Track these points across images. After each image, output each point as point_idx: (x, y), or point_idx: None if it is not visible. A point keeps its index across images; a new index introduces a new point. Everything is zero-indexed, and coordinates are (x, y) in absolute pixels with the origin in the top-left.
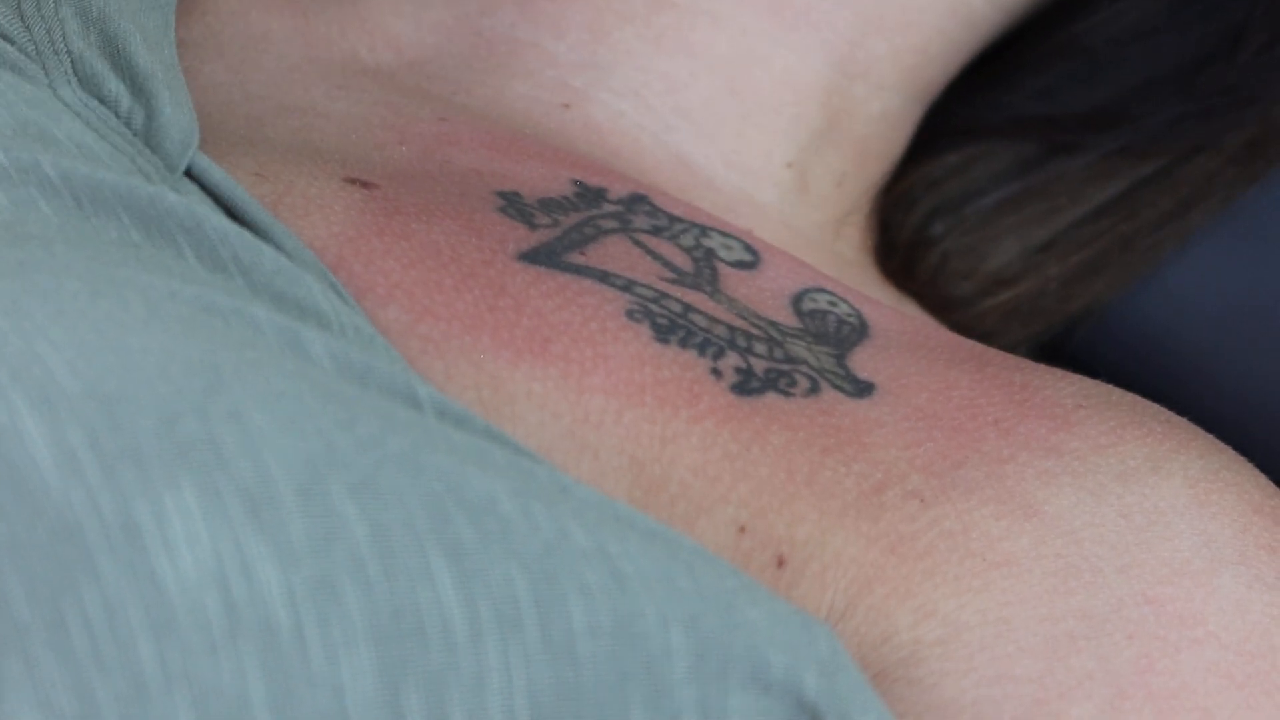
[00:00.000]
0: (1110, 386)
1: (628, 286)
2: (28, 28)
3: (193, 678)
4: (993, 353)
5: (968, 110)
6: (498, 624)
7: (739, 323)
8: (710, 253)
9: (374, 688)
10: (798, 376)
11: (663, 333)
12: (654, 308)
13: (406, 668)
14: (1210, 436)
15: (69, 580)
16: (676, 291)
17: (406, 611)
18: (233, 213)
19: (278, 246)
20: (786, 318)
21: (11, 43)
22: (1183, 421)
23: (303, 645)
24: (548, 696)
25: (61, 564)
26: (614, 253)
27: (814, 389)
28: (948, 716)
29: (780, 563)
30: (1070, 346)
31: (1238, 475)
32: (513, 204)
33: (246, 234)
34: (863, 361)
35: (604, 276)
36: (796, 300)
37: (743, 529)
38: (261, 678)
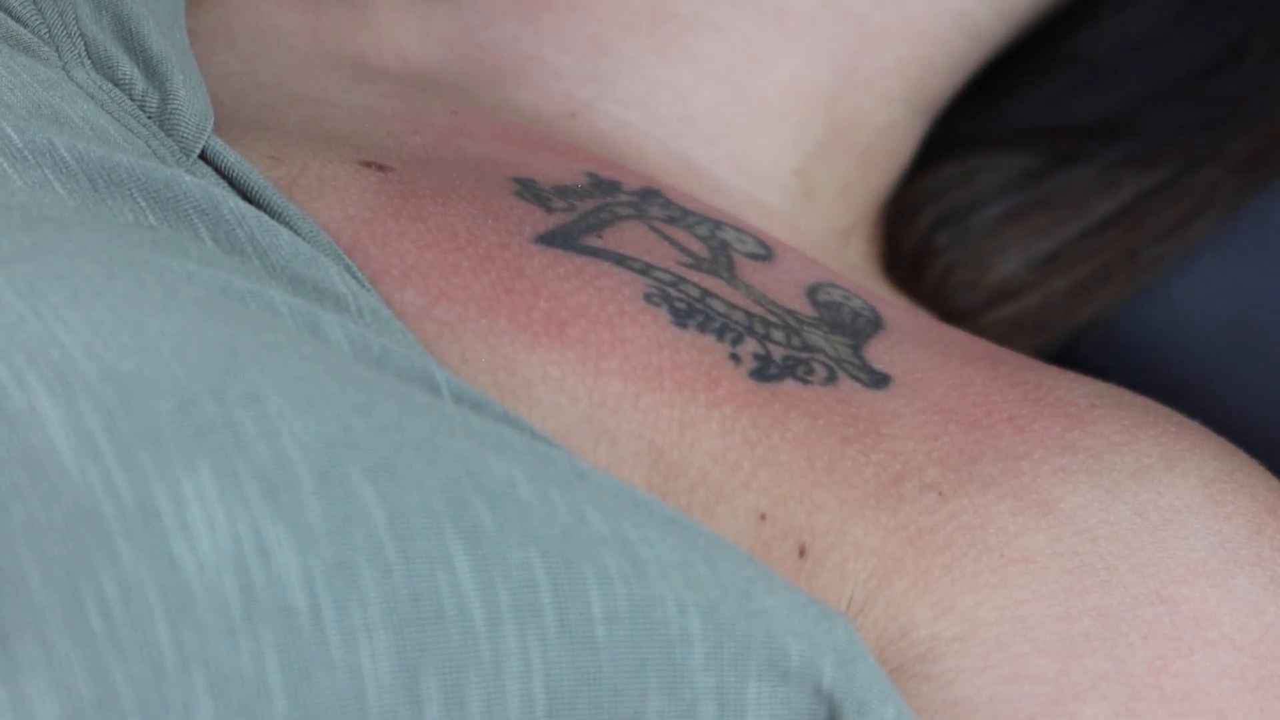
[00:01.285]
0: (1122, 389)
1: (645, 270)
2: (40, 11)
3: (210, 661)
4: (1005, 352)
5: (972, 120)
6: (515, 609)
7: (757, 309)
8: (725, 243)
9: (392, 672)
10: (815, 365)
11: (681, 317)
12: (672, 291)
13: (424, 652)
14: (1223, 439)
15: (86, 563)
16: (694, 276)
17: (424, 596)
18: (247, 195)
19: (293, 229)
20: (803, 307)
21: (25, 25)
22: (1195, 423)
23: (320, 629)
24: (565, 682)
25: (79, 547)
26: (631, 237)
27: (831, 378)
28: (963, 714)
29: (802, 552)
30: (1075, 357)
31: (1251, 477)
32: (529, 188)
33: (263, 216)
34: (878, 353)
35: (621, 260)
36: (812, 291)
37: (763, 516)
38: (279, 661)
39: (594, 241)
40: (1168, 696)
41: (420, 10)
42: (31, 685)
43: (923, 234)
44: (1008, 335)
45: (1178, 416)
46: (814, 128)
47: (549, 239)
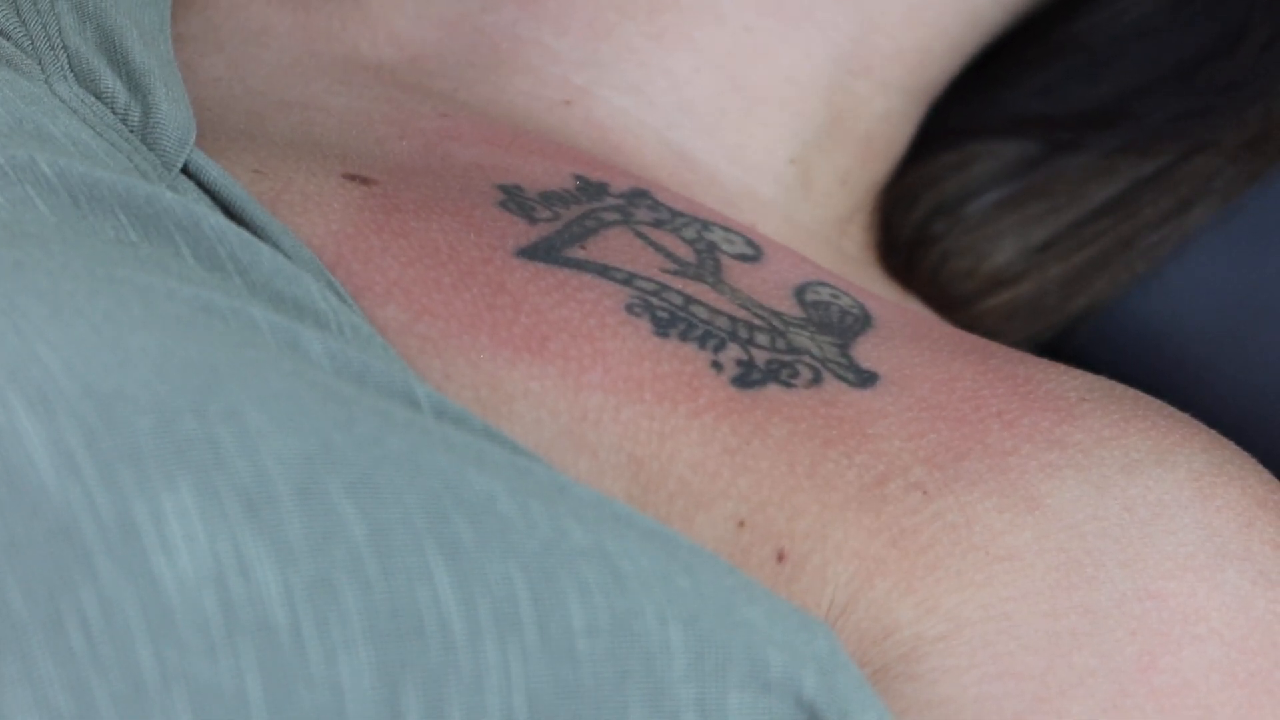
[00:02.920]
0: (1113, 381)
1: (628, 280)
2: (24, 23)
3: (191, 678)
4: (996, 346)
5: (968, 108)
6: (496, 623)
7: (741, 313)
8: (712, 245)
9: (372, 687)
10: (800, 367)
11: (663, 326)
12: (654, 301)
13: (405, 667)
14: (1214, 432)
15: (66, 580)
16: (678, 283)
17: (405, 611)
18: (230, 210)
19: (275, 245)
20: (790, 308)
21: (8, 38)
22: (1186, 416)
23: (301, 645)
24: (546, 695)
25: (59, 564)
26: (615, 245)
27: (816, 379)
28: (949, 713)
29: (780, 557)
30: (1069, 346)
31: (1241, 470)
32: (513, 197)
33: (244, 233)
34: (866, 352)
35: (604, 270)
36: (799, 291)
37: (742, 524)
38: (259, 677)
39: (576, 253)
40: (1156, 692)
41: None
42: (12, 702)
43: (918, 222)
44: (1003, 323)
45: (1168, 410)
46: (812, 116)
47: (531, 252)
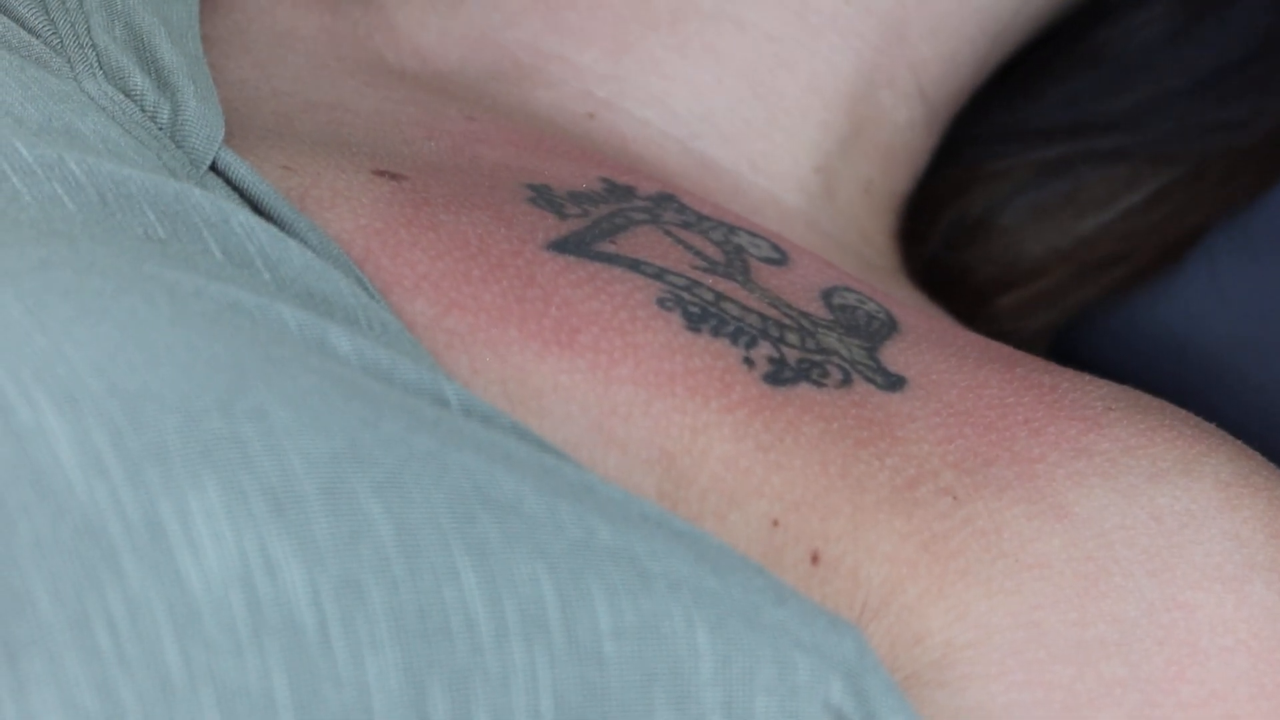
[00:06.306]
0: (1138, 391)
1: (659, 274)
2: (52, 21)
3: (217, 677)
4: (1021, 354)
5: (993, 117)
6: (523, 623)
7: (771, 312)
8: (740, 248)
9: (399, 687)
10: (830, 367)
11: (694, 321)
12: (686, 296)
13: (432, 667)
14: (1240, 442)
15: (93, 579)
16: (708, 280)
17: (432, 611)
18: (258, 207)
19: (304, 241)
20: (818, 310)
21: (37, 36)
22: (1212, 426)
23: (328, 644)
24: (573, 697)
25: (85, 563)
26: (645, 242)
27: (846, 380)
28: None
29: (815, 559)
30: (1092, 354)
31: (1268, 480)
32: (542, 195)
33: (273, 229)
34: (893, 356)
35: (635, 265)
36: (827, 294)
37: (776, 523)
38: (286, 677)
39: (607, 247)
40: (1184, 703)
41: (440, 10)
42: (39, 702)
43: (943, 232)
44: (1022, 313)
45: (1194, 419)
46: (836, 126)
47: (561, 246)
